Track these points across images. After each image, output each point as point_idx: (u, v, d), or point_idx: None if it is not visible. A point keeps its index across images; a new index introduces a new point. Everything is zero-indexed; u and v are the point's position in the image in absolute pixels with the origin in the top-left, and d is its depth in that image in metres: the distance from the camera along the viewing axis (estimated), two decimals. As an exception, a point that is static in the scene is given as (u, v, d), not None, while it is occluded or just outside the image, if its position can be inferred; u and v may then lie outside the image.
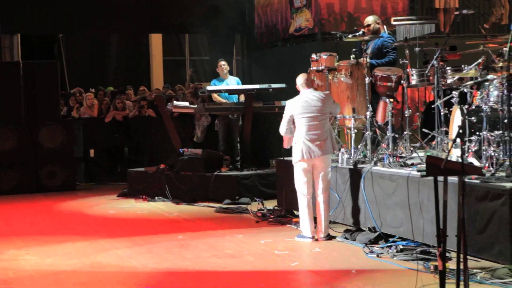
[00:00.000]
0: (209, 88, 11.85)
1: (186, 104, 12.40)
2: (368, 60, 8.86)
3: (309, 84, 8.01)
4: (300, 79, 8.02)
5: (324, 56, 9.14)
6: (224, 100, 12.00)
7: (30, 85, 12.81)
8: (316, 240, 7.79)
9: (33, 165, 12.69)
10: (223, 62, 12.10)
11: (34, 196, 12.14)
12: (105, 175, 14.15)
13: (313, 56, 9.31)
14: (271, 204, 9.81)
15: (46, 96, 12.88)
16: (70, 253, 7.68)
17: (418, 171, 7.04)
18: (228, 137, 12.09)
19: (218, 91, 11.86)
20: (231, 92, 11.90)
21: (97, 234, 8.72)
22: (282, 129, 8.02)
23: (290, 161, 9.21)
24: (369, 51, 9.19)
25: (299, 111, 7.87)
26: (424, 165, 6.20)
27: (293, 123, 7.92)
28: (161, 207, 10.74)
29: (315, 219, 7.97)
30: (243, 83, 12.55)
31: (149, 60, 19.67)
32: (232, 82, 12.07)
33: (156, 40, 19.62)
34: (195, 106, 12.21)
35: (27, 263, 7.27)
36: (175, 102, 12.31)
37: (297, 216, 8.82)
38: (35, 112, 12.79)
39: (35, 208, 11.11)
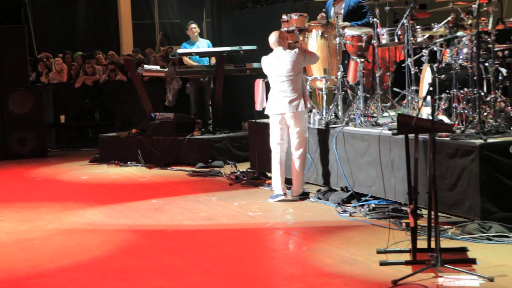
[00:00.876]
0: (179, 51, 11.78)
1: (157, 68, 12.32)
2: (342, 22, 8.79)
3: (281, 42, 8.01)
4: (272, 38, 8.05)
5: (294, 16, 9.11)
6: (195, 63, 11.93)
7: (-2, 51, 12.63)
8: (292, 198, 7.84)
9: (3, 132, 12.56)
10: (194, 25, 12.01)
11: (5, 163, 12.03)
12: (76, 141, 14.05)
13: (284, 17, 9.27)
14: (244, 167, 9.85)
15: (14, 62, 12.70)
16: (45, 219, 7.66)
17: (389, 129, 7.09)
18: (199, 100, 12.04)
19: (188, 54, 11.78)
20: (202, 54, 11.83)
21: (71, 199, 8.70)
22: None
23: (263, 123, 9.26)
24: (342, 11, 9.18)
25: (271, 70, 7.99)
26: (395, 124, 6.28)
27: None
28: (134, 171, 10.73)
29: (288, 180, 8.02)
30: (213, 46, 12.47)
31: (118, 23, 19.43)
32: (203, 45, 11.99)
33: (124, 3, 19.36)
34: (166, 69, 12.14)
35: (1, 229, 7.25)
36: (146, 66, 12.21)
37: (270, 178, 8.88)
38: (3, 78, 12.61)
39: (7, 175, 11.03)
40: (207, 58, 12.00)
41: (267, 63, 8.07)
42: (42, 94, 13.29)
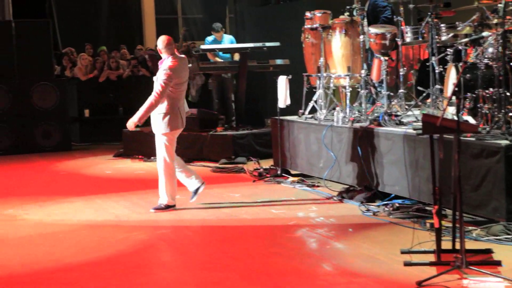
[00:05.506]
0: (203, 47, 11.81)
1: (180, 63, 12.32)
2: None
3: (174, 48, 7.55)
4: (165, 41, 7.40)
5: (318, 14, 9.10)
6: (218, 59, 11.95)
7: (23, 45, 12.74)
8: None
9: (28, 125, 12.68)
10: (221, 33, 11.94)
11: (29, 156, 12.15)
12: (100, 135, 14.14)
13: (307, 14, 9.27)
14: (266, 164, 9.86)
15: (39, 56, 12.84)
16: (68, 213, 7.73)
17: (414, 129, 7.07)
18: (222, 96, 12.06)
19: (212, 50, 11.80)
20: (225, 50, 11.84)
21: (94, 194, 8.76)
22: (163, 95, 7.31)
23: (286, 120, 9.25)
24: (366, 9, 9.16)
25: (180, 78, 7.41)
26: (420, 123, 6.26)
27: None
28: (157, 166, 10.76)
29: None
30: (237, 42, 12.48)
31: (141, 18, 19.50)
32: (226, 41, 12.01)
33: (148, -2, 19.45)
34: (190, 65, 12.14)
35: (26, 223, 7.33)
36: (169, 61, 12.21)
37: (294, 176, 8.91)
38: (28, 72, 12.72)
39: (32, 168, 11.14)
40: (230, 54, 12.02)
41: (178, 72, 7.35)
42: (67, 88, 13.39)
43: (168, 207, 7.57)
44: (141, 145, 11.70)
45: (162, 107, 7.38)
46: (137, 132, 12.01)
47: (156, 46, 16.32)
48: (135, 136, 11.97)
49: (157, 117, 7.44)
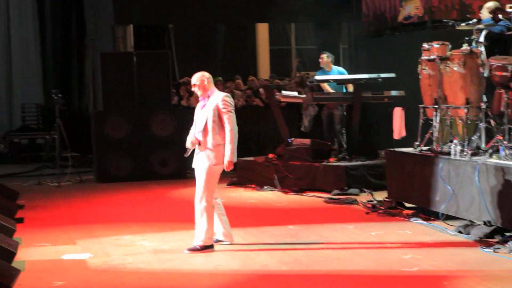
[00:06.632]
0: (317, 77, 11.84)
1: (295, 93, 12.46)
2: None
3: None
4: (208, 75, 7.36)
5: (436, 45, 8.97)
6: (331, 90, 11.96)
7: (143, 75, 13.17)
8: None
9: (146, 153, 13.06)
10: (322, 55, 11.96)
11: (146, 183, 12.45)
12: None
13: (425, 45, 9.15)
14: (380, 196, 9.75)
15: (158, 85, 13.22)
16: (185, 239, 7.86)
17: (538, 164, 6.83)
18: (331, 126, 12.03)
19: (326, 81, 11.82)
20: (339, 81, 11.84)
21: (209, 222, 8.90)
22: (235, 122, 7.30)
23: (401, 152, 9.13)
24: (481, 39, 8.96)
25: None
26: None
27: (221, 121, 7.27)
28: (270, 196, 10.85)
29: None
30: (350, 73, 12.44)
31: (255, 49, 19.85)
32: (335, 73, 11.97)
33: (262, 29, 19.78)
34: (304, 95, 12.24)
35: (144, 248, 7.53)
36: (283, 92, 12.38)
37: (408, 208, 8.76)
38: (147, 101, 13.15)
39: (149, 195, 11.43)
40: (342, 85, 12.00)
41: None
42: (183, 117, 13.73)
43: (205, 248, 7.33)
44: (254, 174, 11.83)
45: (217, 139, 7.25)
46: (251, 161, 12.19)
47: (270, 76, 16.64)
48: (249, 165, 12.11)
49: (211, 149, 7.27)
